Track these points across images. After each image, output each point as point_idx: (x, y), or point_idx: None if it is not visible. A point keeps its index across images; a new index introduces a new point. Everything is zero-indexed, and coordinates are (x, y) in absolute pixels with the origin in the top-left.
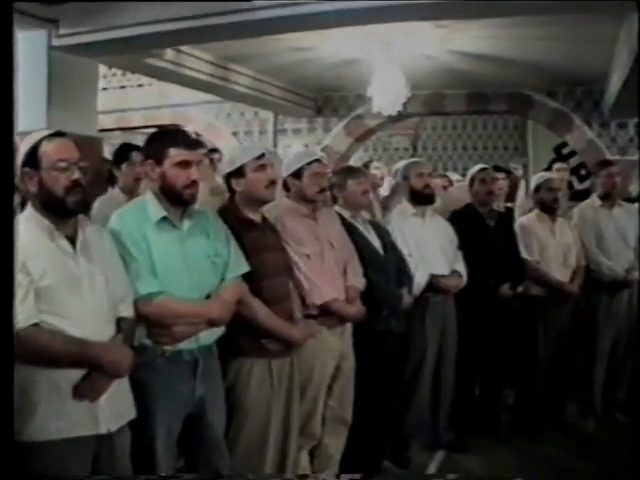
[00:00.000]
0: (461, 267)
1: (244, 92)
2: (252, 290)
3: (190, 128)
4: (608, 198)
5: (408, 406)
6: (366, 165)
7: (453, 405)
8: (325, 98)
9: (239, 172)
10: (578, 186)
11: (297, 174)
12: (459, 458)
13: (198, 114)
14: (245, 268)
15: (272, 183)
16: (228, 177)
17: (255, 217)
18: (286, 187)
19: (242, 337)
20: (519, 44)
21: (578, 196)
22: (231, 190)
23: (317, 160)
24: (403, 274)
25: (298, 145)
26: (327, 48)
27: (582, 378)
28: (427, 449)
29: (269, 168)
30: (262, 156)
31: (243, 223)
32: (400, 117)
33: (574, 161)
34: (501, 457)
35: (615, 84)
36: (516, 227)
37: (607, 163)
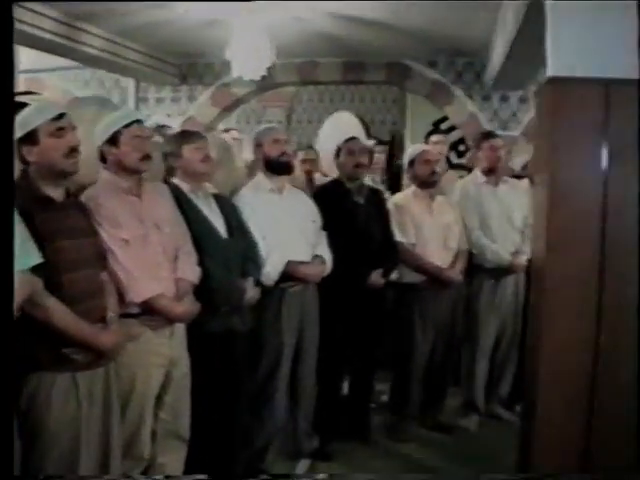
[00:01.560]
0: (325, 252)
1: (97, 55)
2: (48, 286)
3: (46, 96)
4: (492, 173)
5: (263, 412)
6: (226, 131)
7: (316, 408)
8: (190, 65)
9: (31, 138)
10: (456, 161)
11: (113, 140)
12: (324, 467)
13: (53, 81)
14: (35, 259)
15: (73, 151)
16: (19, 144)
17: (54, 194)
18: (103, 158)
19: (39, 346)
20: (398, 8)
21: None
22: (24, 161)
23: (137, 121)
24: (250, 262)
25: (161, 115)
26: (185, 6)
27: (464, 372)
28: (288, 458)
29: (69, 132)
30: (60, 117)
31: (37, 201)
32: (271, 86)
33: (454, 137)
34: (372, 463)
35: (498, 55)
36: (389, 205)
37: (490, 135)
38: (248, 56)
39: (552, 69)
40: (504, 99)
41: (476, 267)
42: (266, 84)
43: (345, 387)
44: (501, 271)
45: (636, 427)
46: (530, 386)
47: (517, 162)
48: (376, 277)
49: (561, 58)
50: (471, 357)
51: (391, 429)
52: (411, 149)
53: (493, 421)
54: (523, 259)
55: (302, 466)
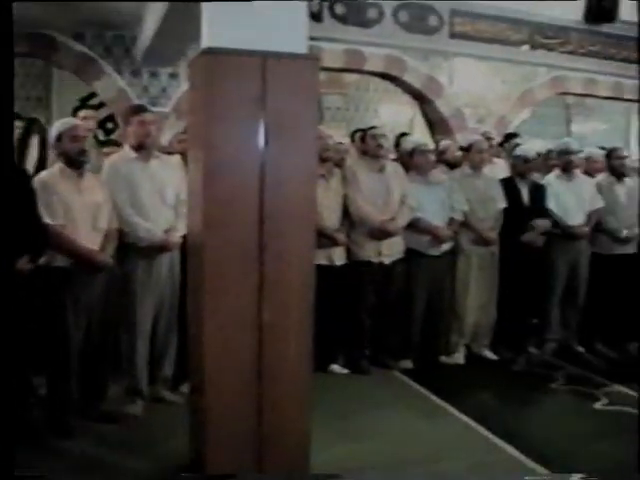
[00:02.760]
0: None
1: None
2: None
3: None
4: (142, 149)
5: None
6: None
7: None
8: None
9: None
10: (104, 138)
11: None
12: None
13: None
14: None
15: None
16: None
17: None
18: None
19: None
20: None
21: None
22: None
23: None
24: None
25: None
26: None
27: (124, 357)
28: None
29: None
30: None
31: None
32: None
33: (102, 114)
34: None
35: (148, 30)
36: (35, 184)
37: (139, 110)
38: None
39: (207, 39)
40: (154, 75)
41: (129, 246)
42: None
43: None
44: (155, 249)
45: None
46: (196, 366)
47: (168, 138)
48: (24, 263)
49: (216, 28)
50: (130, 340)
51: (53, 425)
52: (58, 123)
53: (159, 405)
54: (177, 236)
55: None
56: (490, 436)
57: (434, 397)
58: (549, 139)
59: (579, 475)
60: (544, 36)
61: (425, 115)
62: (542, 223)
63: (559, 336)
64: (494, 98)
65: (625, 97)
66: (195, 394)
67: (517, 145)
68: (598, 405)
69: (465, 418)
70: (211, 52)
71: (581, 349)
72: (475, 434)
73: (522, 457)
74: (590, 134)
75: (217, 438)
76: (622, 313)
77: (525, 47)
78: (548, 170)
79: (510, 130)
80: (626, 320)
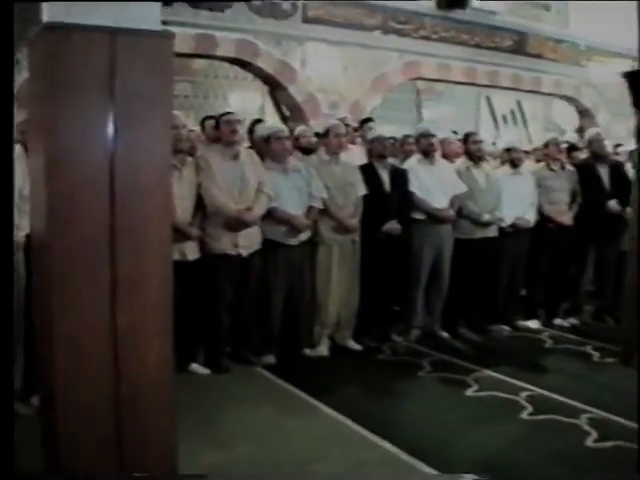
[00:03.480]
0: None
1: None
2: None
3: None
4: None
5: None
6: None
7: None
8: None
9: None
10: None
11: None
12: None
13: None
14: None
15: None
16: None
17: None
18: None
19: None
20: None
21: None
22: None
23: None
24: None
25: None
26: None
27: None
28: None
29: None
30: None
31: None
32: None
33: None
34: None
35: None
36: None
37: None
38: None
39: (48, 14)
40: None
41: None
42: None
43: None
44: None
45: None
46: (47, 377)
47: None
48: None
49: (59, 4)
50: None
51: None
52: None
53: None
54: (20, 235)
55: None
56: (363, 432)
57: (301, 393)
58: (400, 125)
59: (471, 476)
60: (398, 21)
61: (276, 102)
62: (392, 227)
63: (423, 322)
64: (347, 83)
65: (478, 82)
66: (46, 406)
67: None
68: (470, 392)
69: (335, 414)
70: (53, 28)
71: (445, 334)
72: (347, 430)
73: (398, 452)
74: (440, 119)
75: (73, 452)
76: (484, 297)
77: (377, 32)
78: (406, 155)
79: (364, 116)
80: (488, 303)
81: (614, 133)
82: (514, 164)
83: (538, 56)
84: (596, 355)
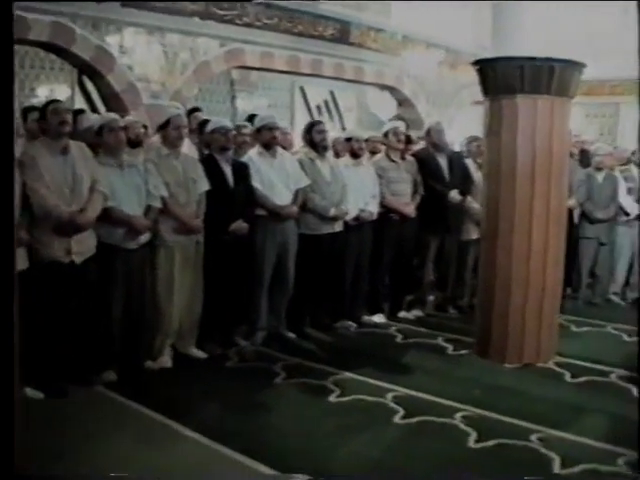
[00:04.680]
0: None
1: None
2: None
3: None
4: None
5: None
6: None
7: None
8: None
9: None
10: None
11: None
12: None
13: None
14: None
15: None
16: None
17: None
18: None
19: None
20: None
21: None
22: None
23: None
24: None
25: None
26: None
27: None
28: None
29: None
30: None
31: None
32: None
33: None
34: None
35: None
36: None
37: None
38: None
39: None
40: None
41: None
42: None
43: None
44: None
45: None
46: None
47: None
48: None
49: None
50: None
51: None
52: None
53: None
54: None
55: None
56: (225, 451)
57: (149, 411)
58: (216, 116)
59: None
60: (220, 8)
61: (86, 93)
62: (238, 227)
63: (268, 324)
64: (169, 72)
65: (302, 71)
66: None
67: (206, 121)
68: (333, 398)
69: (190, 433)
70: None
71: (292, 335)
72: (207, 451)
73: (268, 471)
74: (255, 111)
75: None
76: (330, 294)
77: (196, 19)
78: (238, 147)
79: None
80: (334, 300)
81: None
82: (355, 154)
83: (360, 45)
84: (450, 348)
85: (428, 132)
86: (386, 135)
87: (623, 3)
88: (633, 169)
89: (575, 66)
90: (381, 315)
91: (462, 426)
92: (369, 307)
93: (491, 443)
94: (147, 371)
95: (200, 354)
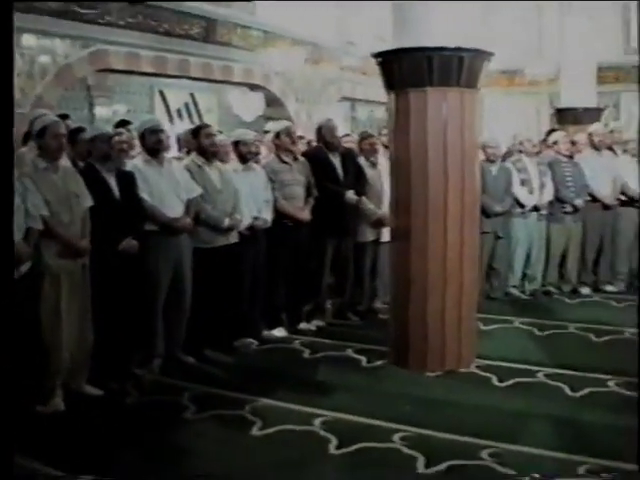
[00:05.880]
0: None
1: None
2: None
3: None
4: None
5: None
6: None
7: None
8: None
9: None
10: None
11: None
12: None
13: None
14: None
15: None
16: None
17: None
18: None
19: None
20: None
21: None
22: None
23: None
24: None
25: None
26: None
27: None
28: None
29: None
30: None
31: None
32: None
33: None
34: None
35: None
36: None
37: None
38: None
39: None
40: None
41: None
42: None
43: None
44: None
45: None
46: None
47: None
48: None
49: None
50: None
51: None
52: None
53: None
54: None
55: None
56: None
57: (43, 467)
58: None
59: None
60: (81, 6)
61: None
62: (127, 245)
63: (164, 349)
64: (27, 77)
65: (169, 72)
66: None
67: (79, 129)
68: (256, 431)
69: None
70: None
71: (190, 359)
72: None
73: None
74: (114, 117)
75: None
76: (228, 311)
77: (54, 18)
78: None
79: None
80: (232, 317)
81: (303, 122)
82: (244, 158)
83: (227, 44)
84: (363, 359)
85: (319, 130)
86: (278, 136)
87: None
88: (525, 159)
89: (484, 55)
90: (281, 328)
91: (405, 450)
92: (268, 321)
93: (443, 466)
94: (38, 416)
95: (95, 391)
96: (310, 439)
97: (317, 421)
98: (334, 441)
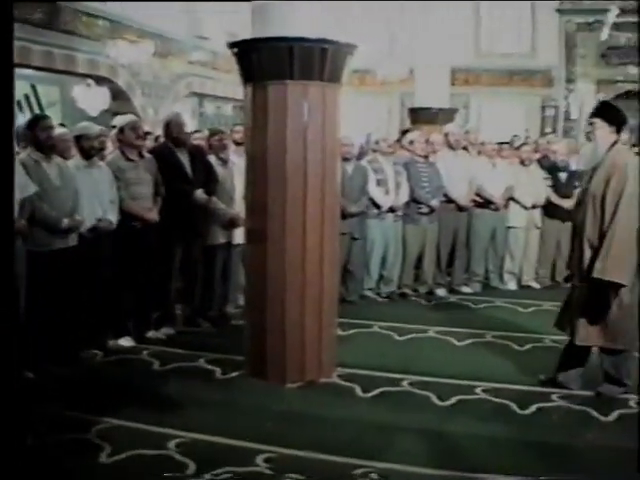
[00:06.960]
0: None
1: None
2: None
3: None
4: None
5: None
6: None
7: None
8: None
9: None
10: None
11: None
12: None
13: None
14: None
15: None
16: None
17: None
18: None
19: None
20: None
21: None
22: None
23: None
24: None
25: None
26: None
27: None
28: None
29: None
30: None
31: None
32: None
33: None
34: None
35: None
36: None
37: None
38: None
39: None
40: None
41: None
42: None
43: None
44: None
45: None
46: None
47: None
48: None
49: None
50: None
51: None
52: None
53: None
54: None
55: None
56: None
57: None
58: None
59: None
60: None
61: None
62: None
63: None
64: None
65: (34, 64)
66: None
67: None
68: (105, 457)
69: None
70: None
71: (28, 374)
72: None
73: None
74: None
75: None
76: (69, 320)
77: None
78: None
79: None
80: (73, 326)
81: (150, 116)
82: (87, 154)
83: (71, 32)
84: (217, 371)
85: (167, 125)
86: (122, 131)
87: None
88: (380, 159)
89: (347, 48)
90: (128, 338)
91: (268, 472)
92: (113, 330)
93: None
94: None
95: None
96: (166, 465)
97: (172, 444)
98: (192, 466)
